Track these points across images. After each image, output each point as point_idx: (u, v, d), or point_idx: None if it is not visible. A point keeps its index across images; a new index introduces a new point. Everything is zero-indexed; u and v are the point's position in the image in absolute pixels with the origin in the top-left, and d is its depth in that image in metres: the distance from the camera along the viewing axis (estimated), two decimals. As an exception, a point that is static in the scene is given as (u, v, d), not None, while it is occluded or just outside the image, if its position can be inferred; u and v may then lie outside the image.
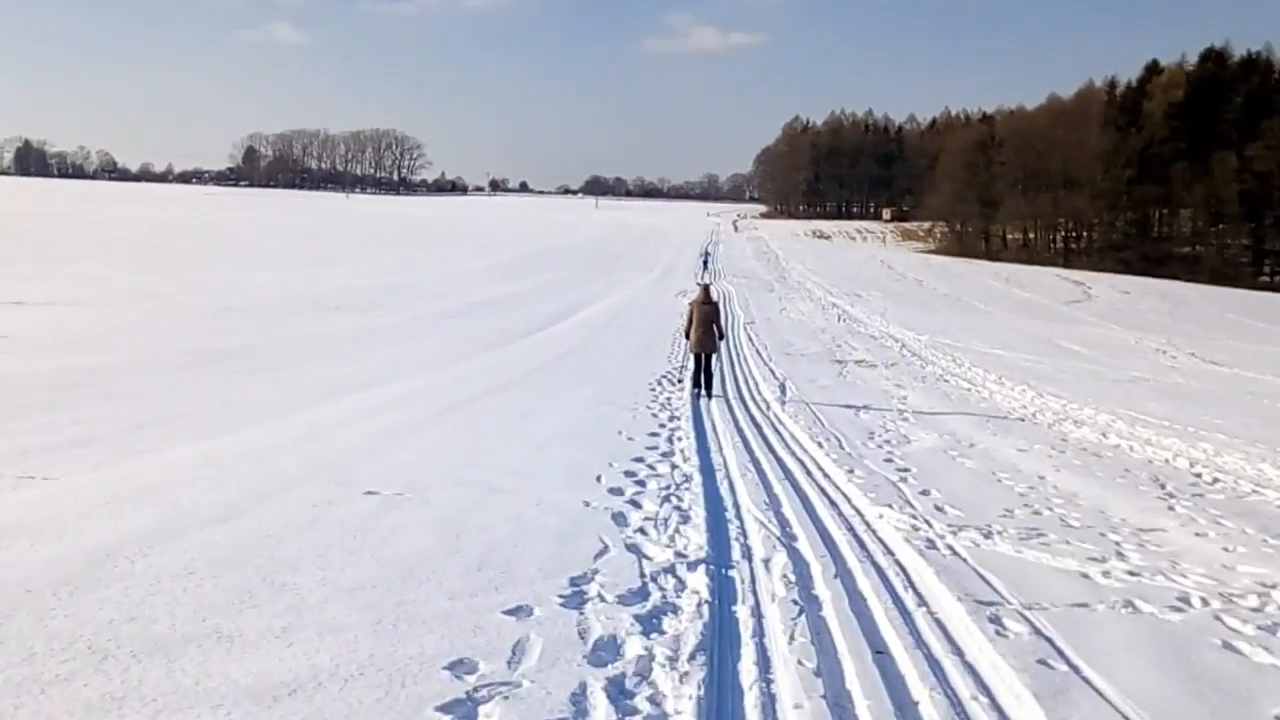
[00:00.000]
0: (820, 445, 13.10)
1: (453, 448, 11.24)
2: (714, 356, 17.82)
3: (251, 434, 11.41)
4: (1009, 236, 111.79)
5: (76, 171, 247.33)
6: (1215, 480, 11.96)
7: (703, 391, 17.28)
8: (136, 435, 10.95)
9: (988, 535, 8.59)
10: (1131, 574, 7.58)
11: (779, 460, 12.26)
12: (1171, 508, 10.20)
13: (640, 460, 11.20)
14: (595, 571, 7.04)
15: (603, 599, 6.49)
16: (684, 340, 18.99)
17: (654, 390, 17.53)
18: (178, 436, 11.04)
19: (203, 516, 7.78)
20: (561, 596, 6.46)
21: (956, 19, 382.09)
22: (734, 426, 14.67)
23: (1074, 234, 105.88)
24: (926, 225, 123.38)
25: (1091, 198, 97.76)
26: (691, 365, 18.16)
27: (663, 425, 13.93)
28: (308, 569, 6.67)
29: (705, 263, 68.07)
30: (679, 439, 12.92)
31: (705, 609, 6.42)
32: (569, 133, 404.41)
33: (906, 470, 11.68)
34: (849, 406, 17.16)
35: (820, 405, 17.07)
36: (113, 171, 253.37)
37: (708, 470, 11.09)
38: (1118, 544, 8.55)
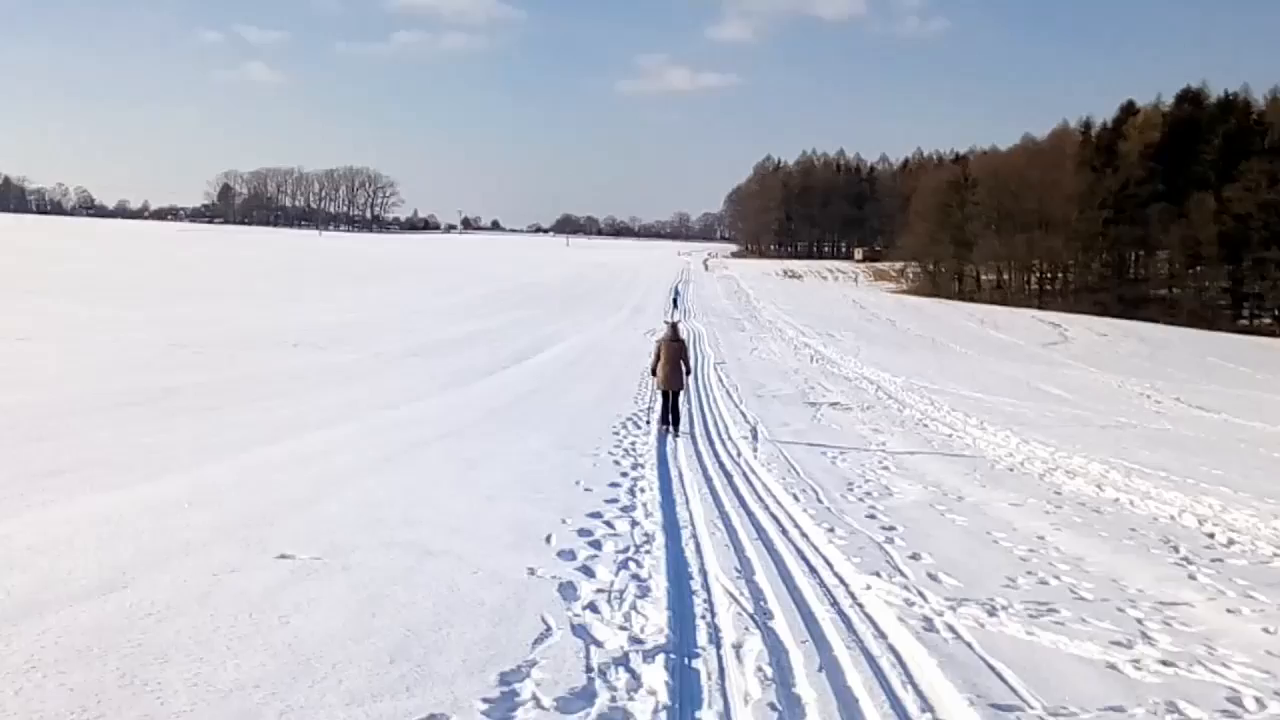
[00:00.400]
0: (796, 498, 11.98)
1: (390, 500, 10.09)
2: (681, 394, 17.77)
3: (170, 483, 10.25)
4: (983, 277, 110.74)
5: (55, 208, 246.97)
6: (1231, 542, 10.89)
7: (670, 429, 17.11)
8: (39, 484, 9.83)
9: (992, 612, 7.47)
10: (1165, 664, 6.46)
11: (751, 515, 11.10)
12: (1192, 576, 9.09)
13: (598, 515, 10.04)
14: (532, 664, 5.87)
15: (538, 703, 5.33)
16: (651, 379, 18.89)
17: (618, 434, 16.40)
18: (85, 485, 9.92)
19: (76, 588, 6.62)
20: (487, 701, 5.28)
21: (928, 60, 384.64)
22: (702, 475, 13.53)
23: (1049, 275, 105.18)
24: (899, 265, 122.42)
25: (1066, 239, 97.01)
26: (660, 403, 18.03)
27: (625, 474, 12.81)
28: (181, 661, 5.49)
29: (675, 301, 67.18)
30: (642, 489, 11.79)
31: (663, 717, 5.27)
32: (541, 172, 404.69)
33: (892, 529, 10.56)
34: (825, 453, 16.08)
35: (794, 451, 15.99)
36: (90, 208, 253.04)
37: (672, 528, 9.93)
38: (1141, 623, 7.44)
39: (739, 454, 15.76)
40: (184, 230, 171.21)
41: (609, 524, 9.76)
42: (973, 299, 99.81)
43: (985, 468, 15.86)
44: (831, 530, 10.24)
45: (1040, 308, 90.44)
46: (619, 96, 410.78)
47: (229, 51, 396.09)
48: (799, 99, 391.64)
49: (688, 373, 18.08)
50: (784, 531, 10.38)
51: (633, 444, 15.41)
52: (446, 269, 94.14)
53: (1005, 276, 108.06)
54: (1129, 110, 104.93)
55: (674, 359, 17.66)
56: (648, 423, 18.05)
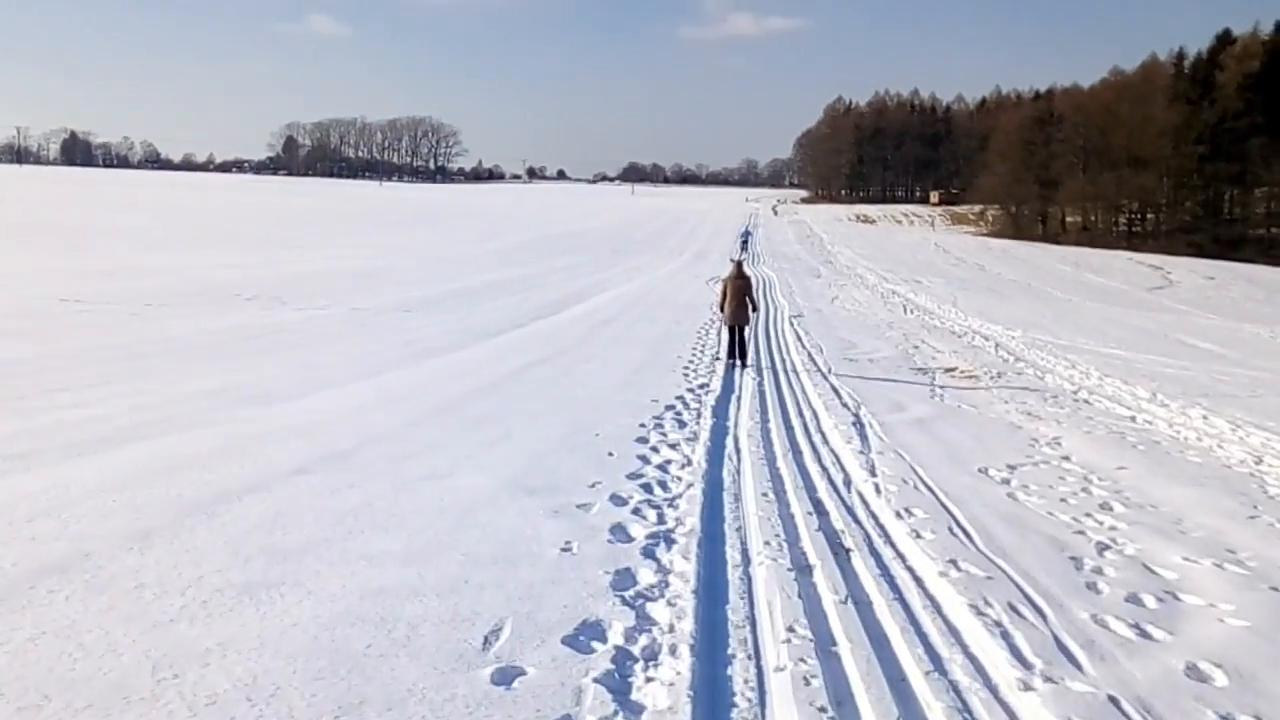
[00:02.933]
0: (999, 630, 5.70)
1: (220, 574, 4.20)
2: (747, 328, 17.92)
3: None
4: (1068, 219, 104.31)
5: (121, 162, 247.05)
6: None
7: (738, 363, 17.18)
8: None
9: None
10: None
11: (898, 677, 4.96)
12: None
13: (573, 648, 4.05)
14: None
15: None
16: (717, 328, 19.72)
17: (644, 437, 10.39)
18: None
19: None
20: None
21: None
22: (783, 532, 7.41)
23: (1138, 216, 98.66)
24: (978, 208, 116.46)
25: (1159, 177, 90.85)
26: (725, 338, 18.06)
27: (651, 535, 6.97)
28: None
29: (744, 244, 62.17)
30: (671, 580, 5.94)
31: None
32: (606, 121, 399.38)
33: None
34: (984, 470, 9.87)
35: (929, 463, 9.86)
36: (155, 162, 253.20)
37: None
38: None
39: (841, 472, 9.61)
40: (236, 181, 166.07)
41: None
42: (1058, 241, 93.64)
43: (1254, 490, 9.57)
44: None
45: (1130, 249, 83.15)
46: (681, 43, 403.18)
47: (293, 5, 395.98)
48: (871, 40, 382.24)
49: (754, 309, 18.14)
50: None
51: (665, 463, 9.34)
52: (495, 215, 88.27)
53: (1092, 218, 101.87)
54: (1225, 39, 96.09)
55: (739, 295, 17.65)
56: (697, 412, 12.01)
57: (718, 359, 17.56)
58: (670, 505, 7.79)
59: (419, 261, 39.21)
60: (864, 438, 11.35)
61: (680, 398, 13.12)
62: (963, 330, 26.27)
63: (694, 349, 18.51)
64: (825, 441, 11.25)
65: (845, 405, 13.70)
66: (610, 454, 9.40)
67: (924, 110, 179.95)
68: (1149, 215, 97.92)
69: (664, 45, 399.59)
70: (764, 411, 12.92)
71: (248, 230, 54.78)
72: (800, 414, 13.09)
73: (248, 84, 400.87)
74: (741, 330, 17.51)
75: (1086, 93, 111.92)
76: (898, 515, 7.96)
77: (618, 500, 7.89)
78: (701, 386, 14.27)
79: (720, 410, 12.61)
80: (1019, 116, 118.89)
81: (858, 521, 7.90)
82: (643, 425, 10.95)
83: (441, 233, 61.18)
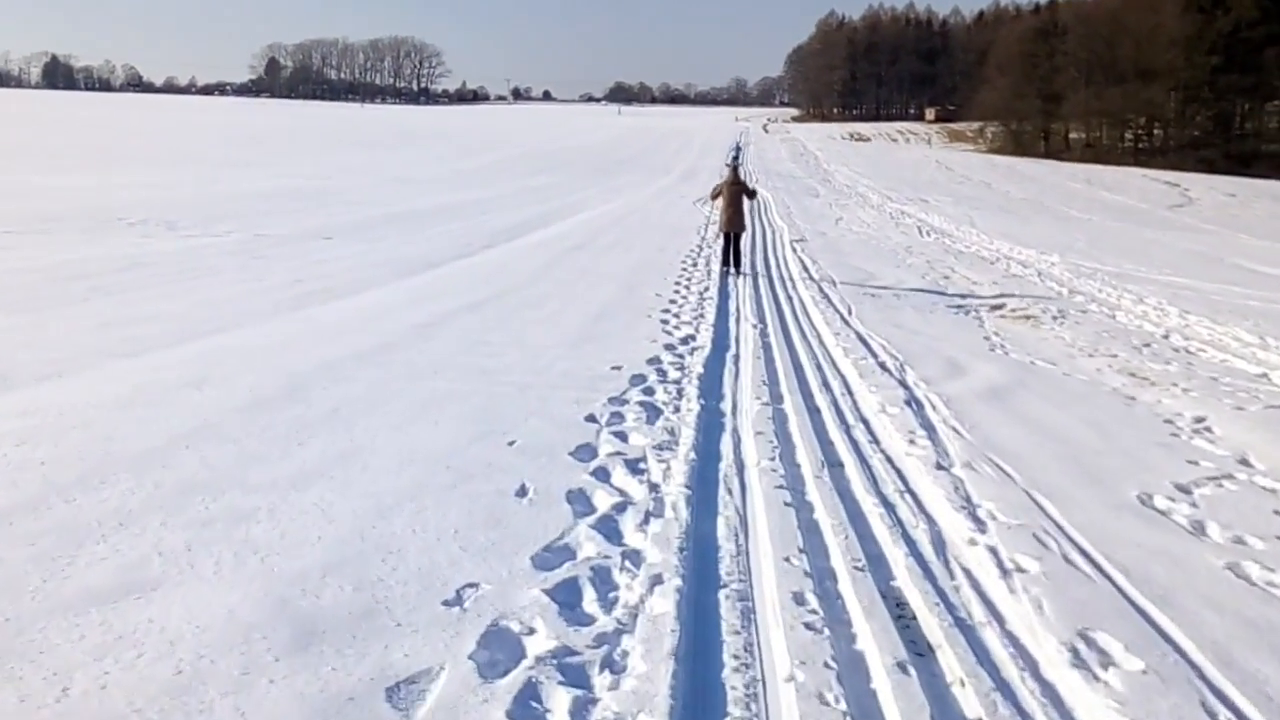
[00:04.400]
0: None
1: None
2: (743, 235, 17.74)
3: None
4: (1072, 135, 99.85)
5: (103, 85, 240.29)
6: None
7: (733, 269, 16.87)
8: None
9: None
10: None
11: None
12: None
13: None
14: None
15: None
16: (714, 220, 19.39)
17: (589, 445, 6.55)
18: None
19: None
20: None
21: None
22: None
23: (1145, 131, 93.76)
24: (977, 125, 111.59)
25: (1168, 90, 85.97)
26: (721, 244, 17.78)
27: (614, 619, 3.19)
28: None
29: (735, 159, 57.67)
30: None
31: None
32: (592, 41, 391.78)
33: None
34: (1150, 502, 6.02)
35: (1066, 502, 5.96)
36: (138, 85, 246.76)
37: None
38: None
39: (940, 545, 5.55)
40: (216, 103, 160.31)
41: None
42: (1061, 158, 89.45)
43: None
44: None
45: (1137, 166, 79.09)
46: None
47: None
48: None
49: (751, 196, 17.96)
50: None
51: (618, 529, 5.30)
52: (471, 135, 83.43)
53: (1096, 133, 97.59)
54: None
55: (735, 200, 17.26)
56: (676, 396, 8.09)
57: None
58: (610, 661, 3.91)
59: (375, 182, 34.88)
60: (930, 429, 7.45)
61: (655, 361, 9.24)
62: (992, 256, 22.32)
63: (678, 284, 14.62)
64: (873, 439, 7.35)
65: (884, 366, 9.83)
66: (522, 492, 5.52)
67: (920, 24, 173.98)
68: (1156, 130, 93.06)
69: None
70: (773, 382, 9.04)
71: (194, 149, 50.12)
72: (825, 383, 9.21)
73: (228, 5, 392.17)
74: (738, 238, 17.34)
75: (1092, 3, 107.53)
76: (1074, 659, 4.03)
77: (491, 667, 3.84)
78: (686, 341, 10.39)
79: (711, 382, 8.72)
80: (1020, 28, 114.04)
81: (1006, 691, 3.96)
82: (590, 419, 7.06)
83: (410, 153, 56.56)
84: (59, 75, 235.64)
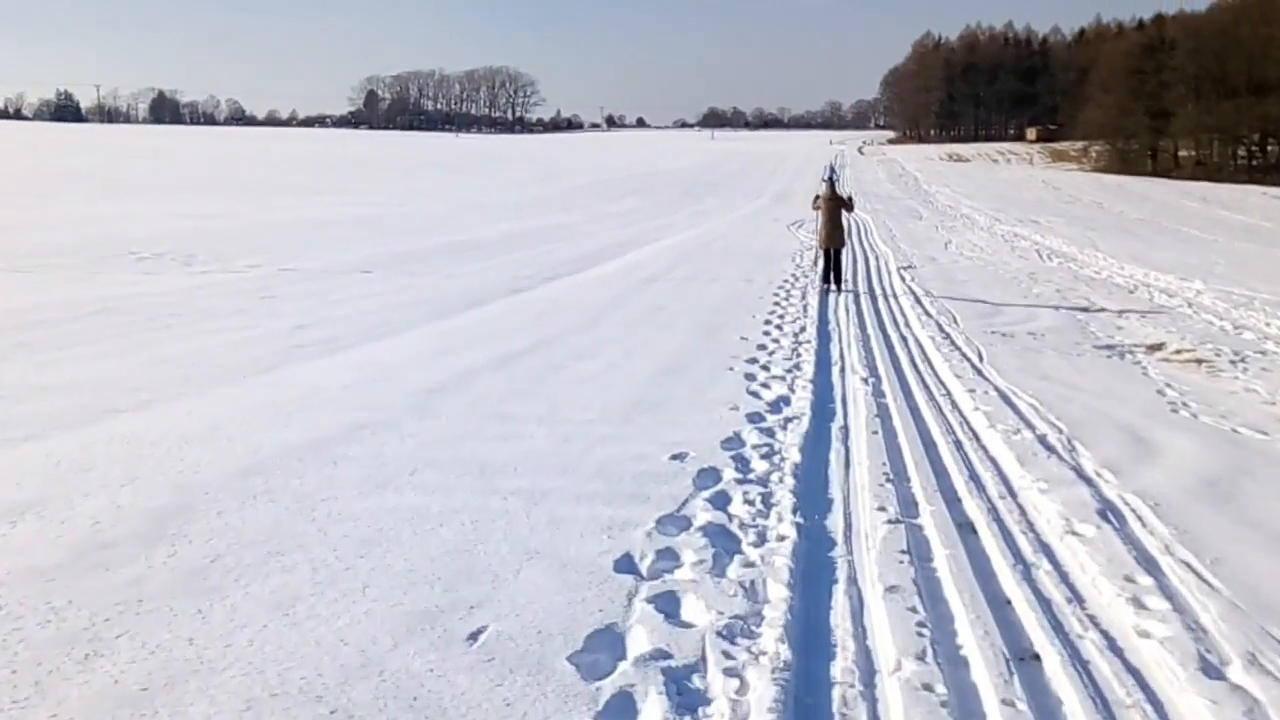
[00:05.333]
0: None
1: None
2: (844, 250, 17.40)
3: None
4: (1180, 153, 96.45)
5: (207, 119, 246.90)
6: None
7: (833, 287, 16.48)
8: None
9: None
10: None
11: None
12: None
13: None
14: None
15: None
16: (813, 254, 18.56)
17: (611, 626, 3.91)
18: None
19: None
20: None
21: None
22: None
23: (1259, 147, 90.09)
24: (1080, 144, 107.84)
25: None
26: (821, 261, 17.13)
27: None
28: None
29: (831, 176, 54.96)
30: None
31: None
32: (685, 67, 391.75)
33: None
34: None
35: None
36: (240, 119, 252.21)
37: None
38: None
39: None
40: (315, 134, 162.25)
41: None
42: (1170, 176, 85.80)
43: None
44: None
45: (1250, 183, 75.20)
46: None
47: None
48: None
49: (849, 207, 17.72)
50: None
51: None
52: (557, 160, 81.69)
53: (1206, 150, 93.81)
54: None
55: (833, 215, 16.96)
56: (762, 513, 5.46)
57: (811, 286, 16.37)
58: None
59: (447, 207, 32.99)
60: (1153, 570, 4.78)
61: (733, 443, 6.70)
62: (1129, 284, 19.35)
63: (769, 323, 12.11)
64: (1073, 595, 4.62)
65: (1046, 443, 7.19)
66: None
67: (1018, 43, 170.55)
68: (1271, 146, 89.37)
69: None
70: (900, 476, 6.40)
71: (259, 175, 48.85)
72: (973, 474, 6.56)
73: (330, 40, 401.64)
74: (838, 253, 17.04)
75: (1200, 17, 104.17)
76: None
77: None
78: (778, 407, 7.85)
79: (812, 480, 6.12)
80: (1125, 45, 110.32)
81: None
82: (624, 566, 4.50)
83: (489, 178, 54.78)
84: (165, 110, 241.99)
